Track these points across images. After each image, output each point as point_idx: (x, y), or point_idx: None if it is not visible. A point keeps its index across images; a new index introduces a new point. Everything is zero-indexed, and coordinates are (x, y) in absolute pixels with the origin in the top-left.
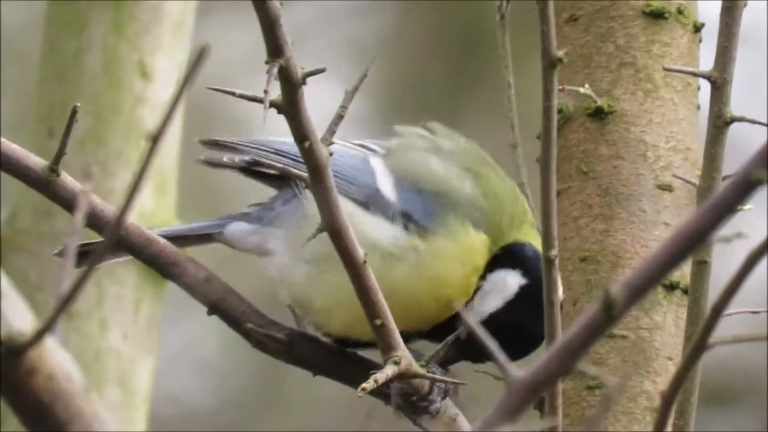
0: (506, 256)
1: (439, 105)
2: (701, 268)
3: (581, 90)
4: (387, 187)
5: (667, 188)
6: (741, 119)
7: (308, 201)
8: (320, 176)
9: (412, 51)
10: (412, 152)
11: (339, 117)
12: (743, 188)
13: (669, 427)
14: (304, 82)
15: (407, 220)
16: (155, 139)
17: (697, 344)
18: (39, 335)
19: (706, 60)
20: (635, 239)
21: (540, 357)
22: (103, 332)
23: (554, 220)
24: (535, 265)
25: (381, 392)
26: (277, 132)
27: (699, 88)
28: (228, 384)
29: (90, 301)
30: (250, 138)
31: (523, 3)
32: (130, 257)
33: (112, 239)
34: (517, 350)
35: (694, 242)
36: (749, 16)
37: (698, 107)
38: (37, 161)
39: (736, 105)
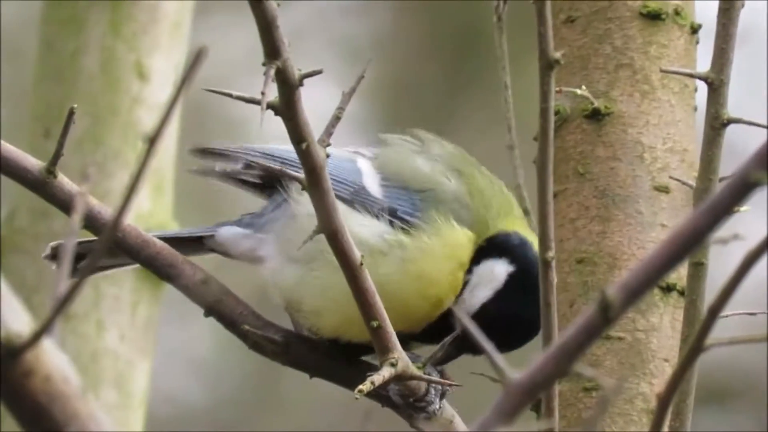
0: (492, 247)
1: (435, 106)
2: (698, 270)
3: (578, 91)
4: (373, 185)
5: (664, 190)
6: (738, 121)
7: (295, 202)
8: (317, 178)
9: (408, 52)
10: (399, 153)
11: (336, 118)
12: (740, 190)
13: (665, 429)
14: (301, 84)
15: (393, 216)
16: (152, 140)
17: (694, 346)
18: (36, 337)
19: (704, 61)
20: (632, 241)
21: (536, 358)
22: (100, 333)
23: (551, 221)
24: (522, 251)
25: (378, 394)
26: (274, 133)
27: (696, 90)
28: (224, 385)
29: (87, 303)
30: (239, 144)
31: (519, 4)
32: (132, 266)
33: (109, 241)
34: (512, 339)
35: (690, 244)
36: (747, 17)
37: (695, 109)
38: (34, 162)
39: (733, 106)
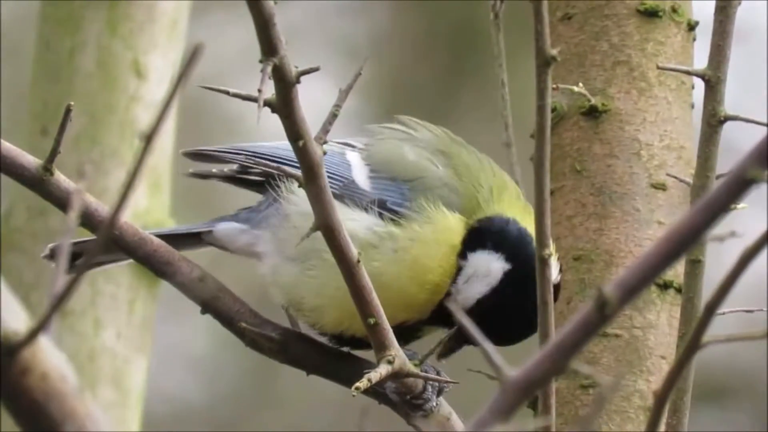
0: (487, 234)
1: (432, 103)
2: (695, 267)
3: (575, 89)
4: (362, 178)
5: (660, 187)
6: (735, 118)
7: (287, 201)
8: (314, 175)
9: (405, 49)
10: (387, 142)
11: (333, 116)
12: (737, 187)
13: (662, 426)
14: (298, 81)
15: (382, 208)
16: (149, 137)
17: (691, 343)
18: (33, 334)
19: (701, 58)
20: (629, 238)
21: (533, 356)
22: (97, 331)
23: (548, 219)
24: (518, 248)
25: (375, 391)
26: (271, 131)
27: (693, 87)
28: (221, 383)
29: (84, 300)
30: (232, 145)
31: (516, 2)
32: (128, 261)
33: (106, 238)
34: (506, 336)
35: (687, 241)
36: (744, 15)
37: (692, 106)
38: (31, 160)
39: (730, 103)
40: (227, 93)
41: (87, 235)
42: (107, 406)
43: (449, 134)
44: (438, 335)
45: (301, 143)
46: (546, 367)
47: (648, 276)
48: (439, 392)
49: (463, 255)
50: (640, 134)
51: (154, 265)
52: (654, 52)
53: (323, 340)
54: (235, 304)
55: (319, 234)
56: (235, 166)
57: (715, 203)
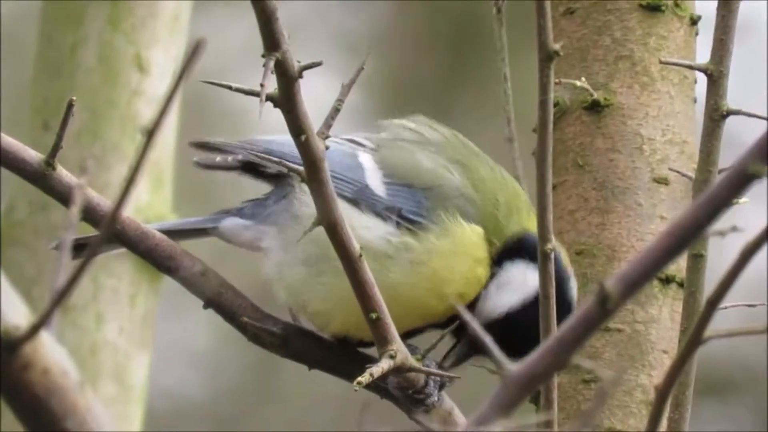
0: (524, 246)
1: (435, 98)
2: (697, 262)
3: (578, 83)
4: (376, 183)
5: (663, 181)
6: (737, 112)
7: (299, 202)
8: (316, 170)
9: (407, 44)
10: (400, 146)
11: (335, 110)
12: (739, 181)
13: (664, 421)
14: (300, 76)
15: (398, 216)
16: (151, 132)
17: (693, 338)
18: (34, 329)
19: (703, 53)
20: (631, 233)
21: (535, 350)
22: (98, 326)
23: (550, 213)
24: (558, 265)
25: (376, 386)
26: (274, 125)
27: (695, 81)
28: (223, 377)
29: (86, 295)
30: (239, 138)
31: None
32: (125, 249)
33: (108, 233)
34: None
35: (689, 236)
36: (747, 9)
37: (695, 100)
38: (33, 155)
39: (732, 98)
40: (229, 88)
41: (90, 231)
42: (109, 401)
43: (462, 141)
44: (439, 331)
45: (303, 138)
46: (548, 362)
47: (650, 270)
48: (441, 387)
49: (498, 263)
50: (642, 129)
51: (156, 260)
52: (656, 46)
53: (325, 336)
54: (237, 298)
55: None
56: (240, 157)
57: (717, 198)
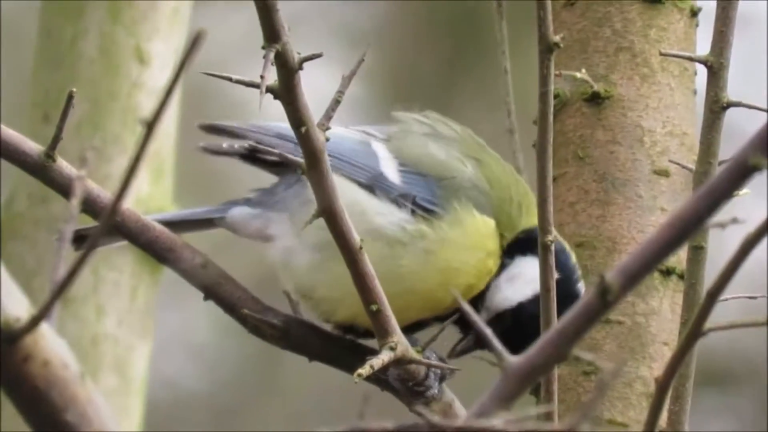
0: (535, 242)
1: (435, 89)
2: (697, 254)
3: (578, 75)
4: (391, 171)
5: (663, 173)
6: (738, 104)
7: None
8: (316, 161)
9: (407, 35)
10: (413, 137)
11: (336, 102)
12: (739, 173)
13: (665, 413)
14: (300, 68)
15: (413, 204)
16: (151, 124)
17: (693, 330)
18: (35, 321)
19: (703, 44)
20: (631, 224)
21: (536, 342)
22: (99, 318)
23: (550, 205)
24: (564, 259)
25: (377, 378)
26: (274, 117)
27: (696, 73)
28: (223, 369)
29: (86, 287)
30: (249, 122)
31: None
32: (126, 242)
33: (108, 225)
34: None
35: (690, 228)
36: (748, 3)
37: (695, 92)
38: (33, 147)
39: (732, 90)
40: (230, 79)
41: (89, 222)
42: (109, 392)
43: (473, 136)
44: (439, 323)
45: (303, 130)
46: (548, 354)
47: (650, 262)
48: (442, 379)
49: (510, 255)
50: (642, 120)
51: (156, 252)
52: (657, 38)
53: (327, 327)
54: (237, 290)
55: None
56: (247, 144)
57: (718, 190)
